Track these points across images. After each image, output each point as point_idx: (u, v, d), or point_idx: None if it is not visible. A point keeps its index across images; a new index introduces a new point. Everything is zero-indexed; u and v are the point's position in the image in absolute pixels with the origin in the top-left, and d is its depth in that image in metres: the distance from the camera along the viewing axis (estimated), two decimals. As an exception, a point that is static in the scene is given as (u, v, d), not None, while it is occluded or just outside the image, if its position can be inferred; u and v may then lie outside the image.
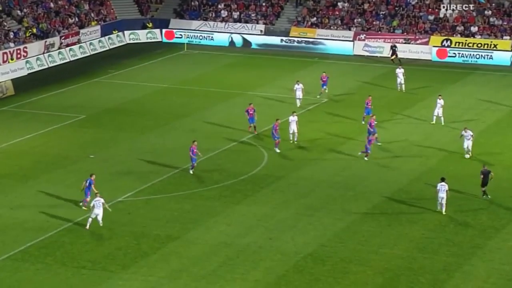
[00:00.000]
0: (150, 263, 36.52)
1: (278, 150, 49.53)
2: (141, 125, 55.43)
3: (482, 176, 43.34)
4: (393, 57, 71.99)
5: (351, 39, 77.11)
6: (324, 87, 60.51)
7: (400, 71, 62.71)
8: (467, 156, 48.81)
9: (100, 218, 39.47)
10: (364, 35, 77.18)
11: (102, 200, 39.52)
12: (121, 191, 43.80)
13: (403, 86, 62.31)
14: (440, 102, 54.91)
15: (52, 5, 78.76)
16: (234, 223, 40.80)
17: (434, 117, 55.08)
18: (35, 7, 77.36)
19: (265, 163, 48.39)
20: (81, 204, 41.89)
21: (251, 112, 52.65)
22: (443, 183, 41.40)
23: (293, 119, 51.48)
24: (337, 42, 77.02)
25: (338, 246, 38.30)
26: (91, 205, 39.67)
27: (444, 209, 41.40)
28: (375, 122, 50.99)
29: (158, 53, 75.60)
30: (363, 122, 54.59)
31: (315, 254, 37.51)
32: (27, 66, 69.68)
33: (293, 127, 51.39)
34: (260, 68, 70.89)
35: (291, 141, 51.30)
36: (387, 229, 40.09)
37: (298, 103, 58.25)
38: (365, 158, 48.33)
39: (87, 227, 39.39)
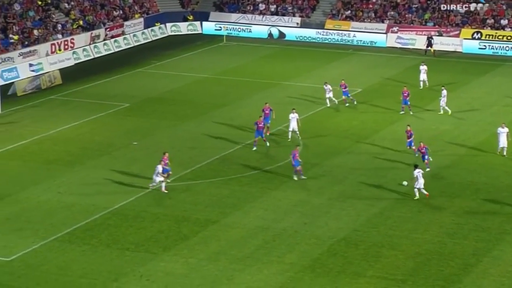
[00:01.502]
0: (190, 245, 36.65)
1: (295, 178, 43.98)
2: (182, 113, 55.55)
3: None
4: (429, 48, 71.49)
5: (384, 31, 76.67)
6: (349, 95, 56.27)
7: (423, 68, 60.98)
8: (503, 153, 46.92)
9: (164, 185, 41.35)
10: (397, 27, 76.68)
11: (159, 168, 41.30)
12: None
13: (426, 82, 60.77)
14: (444, 92, 54.46)
15: (97, -2, 79.11)
16: (271, 208, 40.81)
17: (441, 108, 54.59)
18: (81, 0, 77.73)
19: (300, 151, 48.26)
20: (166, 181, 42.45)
21: (267, 112, 50.29)
22: (418, 170, 41.22)
23: (293, 116, 49.31)
24: (371, 34, 76.59)
25: (371, 231, 38.18)
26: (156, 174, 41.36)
27: (419, 194, 40.98)
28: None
29: (198, 45, 75.69)
30: (401, 112, 54.23)
31: (348, 238, 37.43)
32: (74, 56, 70.07)
33: (293, 125, 49.21)
34: (296, 60, 70.71)
35: (289, 139, 49.06)
36: (418, 215, 39.88)
37: (328, 103, 56.09)
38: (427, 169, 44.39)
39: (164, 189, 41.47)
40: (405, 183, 41.59)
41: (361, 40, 76.28)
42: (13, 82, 61.45)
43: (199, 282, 33.55)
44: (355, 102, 56.35)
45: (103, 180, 43.93)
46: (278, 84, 62.16)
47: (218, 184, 43.47)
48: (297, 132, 49.57)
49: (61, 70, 65.34)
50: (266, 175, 44.63)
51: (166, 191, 41.82)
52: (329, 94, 56.09)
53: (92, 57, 71.51)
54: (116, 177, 44.22)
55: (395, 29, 76.60)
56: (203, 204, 40.98)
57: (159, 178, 41.72)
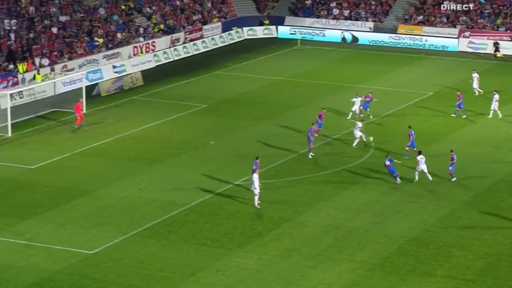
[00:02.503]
0: (264, 242, 36.69)
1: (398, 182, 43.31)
2: (257, 114, 55.67)
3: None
4: (497, 54, 70.28)
5: (456, 36, 75.64)
6: (367, 109, 53.78)
7: (475, 76, 59.27)
8: None
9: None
10: (469, 32, 75.57)
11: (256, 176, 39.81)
12: (238, 176, 44.10)
13: (476, 90, 58.87)
14: (496, 97, 53.57)
15: (178, 3, 79.79)
16: (342, 207, 40.61)
17: (491, 112, 53.71)
18: (163, 5, 78.53)
19: (372, 152, 47.98)
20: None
21: (322, 117, 50.13)
22: (421, 156, 42.63)
23: (359, 125, 48.41)
24: (443, 39, 75.65)
25: (441, 231, 37.69)
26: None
27: (430, 178, 42.26)
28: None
29: (274, 48, 75.74)
30: (453, 115, 53.81)
31: (419, 238, 37.02)
32: (155, 59, 70.83)
33: (356, 107, 51.85)
34: (369, 63, 70.24)
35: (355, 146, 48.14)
36: (488, 216, 39.22)
37: (350, 115, 53.22)
38: None
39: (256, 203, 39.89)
40: (370, 138, 46.88)
41: (433, 45, 75.40)
42: (97, 83, 62.39)
43: (272, 278, 33.57)
44: (371, 117, 53.73)
45: (181, 178, 44.28)
46: (351, 87, 61.83)
47: (292, 183, 43.44)
48: (357, 140, 48.18)
49: (142, 71, 66.09)
50: (337, 175, 44.43)
51: (258, 206, 40.27)
52: (355, 107, 53.31)
53: (172, 59, 72.17)
54: (194, 175, 44.53)
55: (467, 34, 75.51)
56: (277, 202, 40.99)
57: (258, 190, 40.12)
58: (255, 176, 39.97)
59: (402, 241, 36.72)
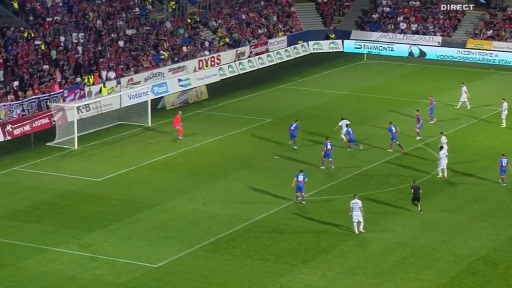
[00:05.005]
0: (328, 259, 36.53)
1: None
2: (322, 129, 55.51)
3: (412, 191, 41.01)
4: None
5: (527, 51, 74.61)
6: (432, 113, 54.87)
7: (464, 89, 58.42)
8: None
9: (360, 219, 38.32)
10: (541, 47, 74.51)
11: (360, 203, 38.63)
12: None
13: (467, 103, 58.37)
14: (504, 105, 53.70)
15: (244, 16, 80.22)
16: (409, 224, 40.22)
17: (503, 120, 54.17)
18: (228, 18, 79.03)
19: (439, 168, 47.43)
20: (298, 200, 42.33)
21: (394, 130, 50.07)
22: (443, 151, 44.41)
23: (444, 140, 47.64)
24: (513, 54, 74.74)
25: (511, 251, 37.03)
26: (350, 205, 38.85)
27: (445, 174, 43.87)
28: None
29: (339, 63, 75.57)
30: (502, 125, 54.07)
31: (488, 257, 36.45)
32: (220, 72, 71.27)
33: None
34: (437, 78, 69.58)
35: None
36: (560, 237, 38.47)
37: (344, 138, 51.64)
38: None
39: (356, 231, 38.56)
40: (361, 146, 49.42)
41: (503, 60, 74.40)
42: (162, 97, 63.01)
43: (337, 295, 33.39)
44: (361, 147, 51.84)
45: (245, 192, 44.39)
46: (418, 102, 61.25)
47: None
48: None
49: (207, 85, 66.54)
50: (403, 192, 44.00)
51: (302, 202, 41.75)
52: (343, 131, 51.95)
53: (237, 73, 72.52)
54: (258, 189, 44.60)
55: (538, 48, 74.43)
56: (342, 218, 40.75)
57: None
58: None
59: (470, 260, 36.22)
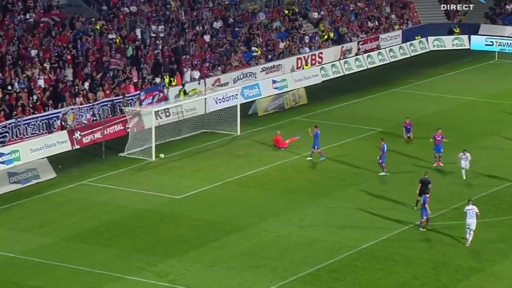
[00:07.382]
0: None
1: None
2: (444, 142, 54.90)
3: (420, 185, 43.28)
4: None
5: None
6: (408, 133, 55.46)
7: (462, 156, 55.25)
8: None
9: (473, 227, 40.15)
10: None
11: (475, 209, 40.23)
12: (417, 214, 43.55)
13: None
14: None
15: (351, 7, 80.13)
16: (548, 258, 39.54)
17: None
18: (333, 9, 78.98)
19: None
20: (422, 225, 42.38)
21: (438, 139, 50.23)
22: (470, 206, 40.76)
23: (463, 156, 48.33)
24: None
25: None
26: (464, 211, 40.42)
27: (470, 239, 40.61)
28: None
29: (465, 62, 74.95)
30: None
31: None
32: (321, 73, 71.40)
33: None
34: None
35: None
36: None
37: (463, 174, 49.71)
38: None
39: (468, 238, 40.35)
40: (161, 155, 51.47)
41: None
42: (254, 101, 63.46)
43: None
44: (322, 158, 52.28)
45: (350, 215, 44.31)
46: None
47: (485, 226, 42.56)
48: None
49: (306, 88, 66.74)
50: (543, 218, 43.36)
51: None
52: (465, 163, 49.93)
53: (342, 74, 72.58)
54: (365, 211, 44.47)
55: None
56: (466, 248, 40.29)
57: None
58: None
59: None
